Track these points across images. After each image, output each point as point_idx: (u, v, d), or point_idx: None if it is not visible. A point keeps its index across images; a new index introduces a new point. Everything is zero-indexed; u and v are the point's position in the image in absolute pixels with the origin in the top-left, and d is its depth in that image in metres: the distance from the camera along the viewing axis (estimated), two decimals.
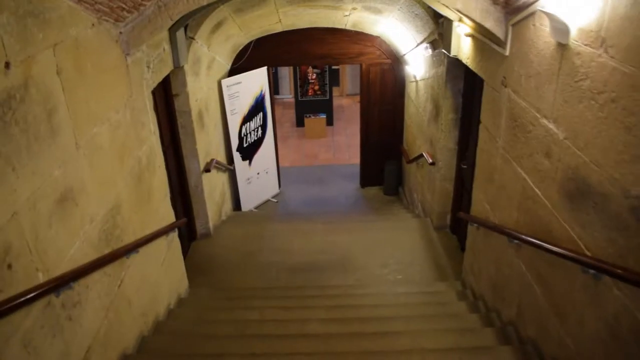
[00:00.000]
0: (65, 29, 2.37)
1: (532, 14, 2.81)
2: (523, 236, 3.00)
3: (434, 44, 5.18)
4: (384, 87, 7.41)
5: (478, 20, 3.16)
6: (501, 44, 3.26)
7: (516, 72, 3.07)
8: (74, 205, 2.42)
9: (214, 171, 6.05)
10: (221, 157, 6.65)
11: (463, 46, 4.25)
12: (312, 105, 11.18)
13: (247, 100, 7.00)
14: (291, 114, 12.04)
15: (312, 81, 11.00)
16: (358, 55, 7.19)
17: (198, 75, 5.38)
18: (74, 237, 2.41)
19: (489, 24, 3.16)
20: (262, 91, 7.22)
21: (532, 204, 2.93)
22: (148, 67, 3.74)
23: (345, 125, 11.70)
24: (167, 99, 4.93)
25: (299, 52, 7.16)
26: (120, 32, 3.06)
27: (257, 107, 7.23)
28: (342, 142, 10.64)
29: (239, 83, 6.79)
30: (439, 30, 4.82)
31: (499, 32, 3.19)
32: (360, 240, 5.57)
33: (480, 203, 4.01)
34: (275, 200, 7.92)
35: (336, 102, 12.78)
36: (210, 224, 5.79)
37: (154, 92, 4.53)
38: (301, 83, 11.00)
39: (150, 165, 3.66)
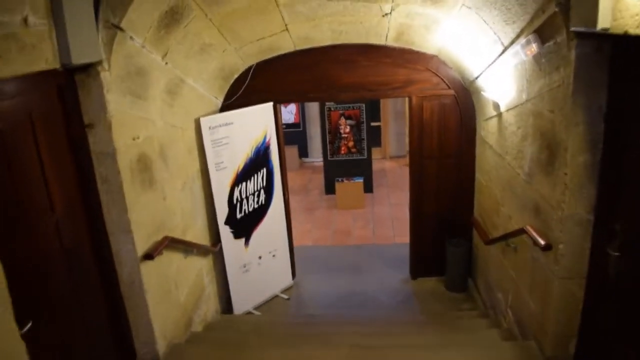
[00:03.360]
0: None
1: None
2: None
3: (542, 34, 3.04)
4: (445, 131, 5.26)
5: None
6: None
7: None
8: None
9: (176, 255, 3.93)
10: (198, 234, 4.55)
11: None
12: (346, 167, 9.09)
13: (242, 150, 4.99)
14: (320, 178, 9.99)
15: (346, 135, 8.98)
16: (405, 85, 5.14)
17: (142, 99, 3.42)
18: None
19: None
20: (265, 138, 5.21)
21: None
22: None
23: (388, 192, 9.50)
24: (69, 128, 2.94)
25: (319, 82, 5.19)
26: None
27: (259, 160, 5.19)
28: (385, 215, 8.40)
29: (229, 124, 4.82)
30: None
31: None
32: None
33: None
34: (286, 297, 5.64)
35: (377, 165, 10.70)
36: (160, 345, 3.57)
37: (30, 114, 2.57)
38: (331, 138, 9.00)
39: None
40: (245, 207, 5.09)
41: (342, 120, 8.89)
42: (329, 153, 9.11)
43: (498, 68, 3.98)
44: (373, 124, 10.50)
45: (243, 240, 5.15)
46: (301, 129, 11.68)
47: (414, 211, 5.63)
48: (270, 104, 5.18)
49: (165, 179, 3.82)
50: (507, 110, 4.00)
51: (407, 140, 12.02)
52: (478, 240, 5.32)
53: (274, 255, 5.54)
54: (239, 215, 5.03)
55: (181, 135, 4.25)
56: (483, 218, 5.06)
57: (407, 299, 5.55)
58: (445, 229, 5.59)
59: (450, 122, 5.22)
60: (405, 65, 5.06)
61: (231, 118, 4.83)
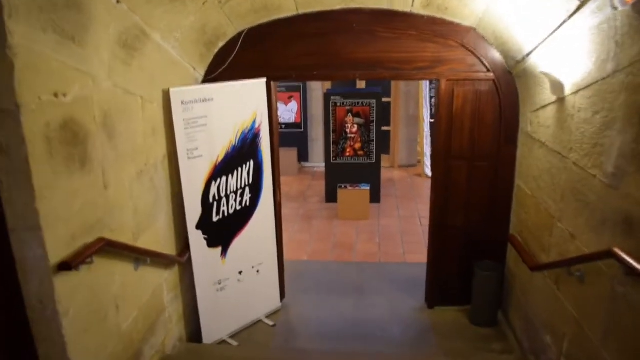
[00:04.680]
0: None
1: None
2: None
3: None
4: (479, 125, 4.31)
5: None
6: None
7: None
8: None
9: (120, 266, 2.95)
10: (158, 238, 3.58)
11: None
12: (351, 171, 8.10)
13: (223, 136, 4.04)
14: (320, 185, 9.02)
15: (352, 135, 8.01)
16: (433, 65, 4.19)
17: (76, 43, 2.47)
18: None
19: None
20: (255, 122, 4.26)
21: None
22: None
23: (397, 203, 8.53)
24: None
25: (327, 56, 4.25)
26: None
27: (245, 150, 4.23)
28: (393, 228, 7.42)
29: (209, 101, 3.87)
30: None
31: None
32: None
33: None
34: (272, 324, 4.64)
35: (384, 174, 9.72)
36: None
37: None
38: (336, 138, 8.03)
39: None
40: (224, 208, 4.12)
41: (349, 118, 7.92)
42: (332, 155, 8.13)
43: (565, 35, 3.03)
44: (384, 128, 9.60)
45: (219, 249, 4.17)
46: (302, 130, 10.74)
47: (436, 224, 4.64)
48: (263, 80, 4.23)
49: (109, 160, 2.86)
50: (577, 92, 3.04)
51: (418, 148, 11.09)
52: (514, 264, 4.35)
53: (258, 271, 4.55)
54: (215, 218, 4.06)
55: (141, 106, 3.29)
56: (525, 237, 4.08)
57: (422, 333, 4.54)
58: (473, 248, 4.61)
59: (486, 113, 4.26)
60: (434, 40, 4.11)
61: (211, 93, 3.88)
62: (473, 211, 4.54)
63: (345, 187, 7.76)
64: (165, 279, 3.71)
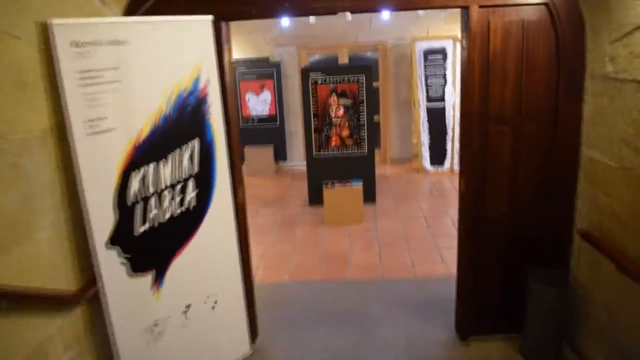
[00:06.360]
0: None
1: None
2: None
3: None
4: (527, 72, 3.10)
5: None
6: None
7: None
8: None
9: None
10: (36, 264, 2.27)
11: None
12: (338, 166, 6.83)
13: (148, 100, 2.74)
14: (302, 186, 7.76)
15: (338, 120, 6.74)
16: None
17: None
18: None
19: None
20: (198, 82, 2.97)
21: None
22: None
23: (396, 202, 7.30)
24: None
25: None
26: None
27: (184, 123, 2.93)
28: (395, 232, 6.18)
29: (122, 44, 2.57)
30: None
31: None
32: None
33: None
34: None
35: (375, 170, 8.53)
36: None
37: None
38: (318, 124, 6.75)
39: None
40: (154, 212, 2.81)
41: (334, 99, 6.65)
42: (314, 147, 6.83)
43: None
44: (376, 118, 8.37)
45: (150, 276, 2.84)
46: (278, 124, 9.47)
47: (468, 218, 3.39)
48: (209, 18, 2.96)
49: None
50: None
51: (414, 139, 9.91)
52: (587, 271, 3.13)
53: (216, 301, 3.22)
54: (140, 228, 2.74)
55: None
56: (610, 231, 2.85)
57: None
58: (523, 250, 3.39)
59: (537, 54, 3.05)
60: None
61: (126, 32, 2.58)
62: (521, 197, 3.31)
63: (333, 185, 6.50)
64: (58, 329, 2.39)
